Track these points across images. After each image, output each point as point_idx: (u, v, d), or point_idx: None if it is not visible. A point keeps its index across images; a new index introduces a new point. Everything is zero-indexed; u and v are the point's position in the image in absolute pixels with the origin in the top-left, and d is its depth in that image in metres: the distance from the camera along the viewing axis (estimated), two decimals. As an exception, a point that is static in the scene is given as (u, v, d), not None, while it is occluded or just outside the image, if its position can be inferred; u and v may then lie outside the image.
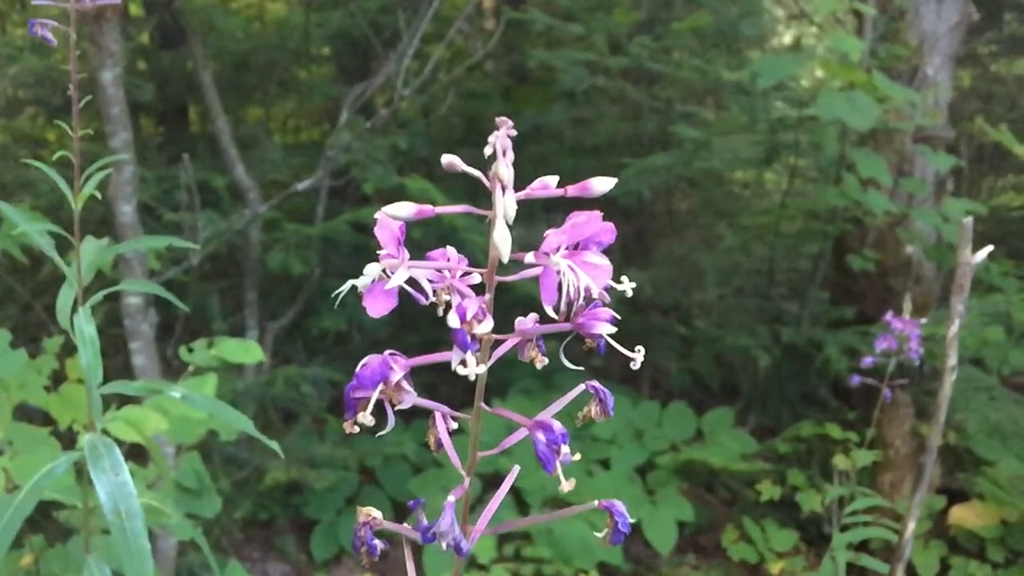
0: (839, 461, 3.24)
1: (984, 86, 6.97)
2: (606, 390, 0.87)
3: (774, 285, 5.63)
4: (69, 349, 2.77)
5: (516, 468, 0.94)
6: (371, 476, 4.55)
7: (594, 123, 5.52)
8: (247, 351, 2.41)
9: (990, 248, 1.55)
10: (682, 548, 4.36)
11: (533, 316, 0.86)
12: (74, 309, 1.22)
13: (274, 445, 1.27)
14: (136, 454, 2.64)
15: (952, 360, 1.58)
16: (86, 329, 1.17)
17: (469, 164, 0.82)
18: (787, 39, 8.42)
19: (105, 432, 1.29)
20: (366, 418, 0.76)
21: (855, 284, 4.74)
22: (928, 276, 4.61)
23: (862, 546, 3.17)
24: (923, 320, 2.75)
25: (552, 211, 4.13)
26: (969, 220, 1.57)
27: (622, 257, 5.46)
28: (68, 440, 2.60)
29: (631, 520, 0.91)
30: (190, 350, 2.46)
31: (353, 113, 4.76)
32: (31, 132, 5.37)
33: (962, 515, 3.97)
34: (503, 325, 0.82)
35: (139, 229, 3.42)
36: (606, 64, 4.92)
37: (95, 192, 1.25)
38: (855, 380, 2.73)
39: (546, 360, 0.85)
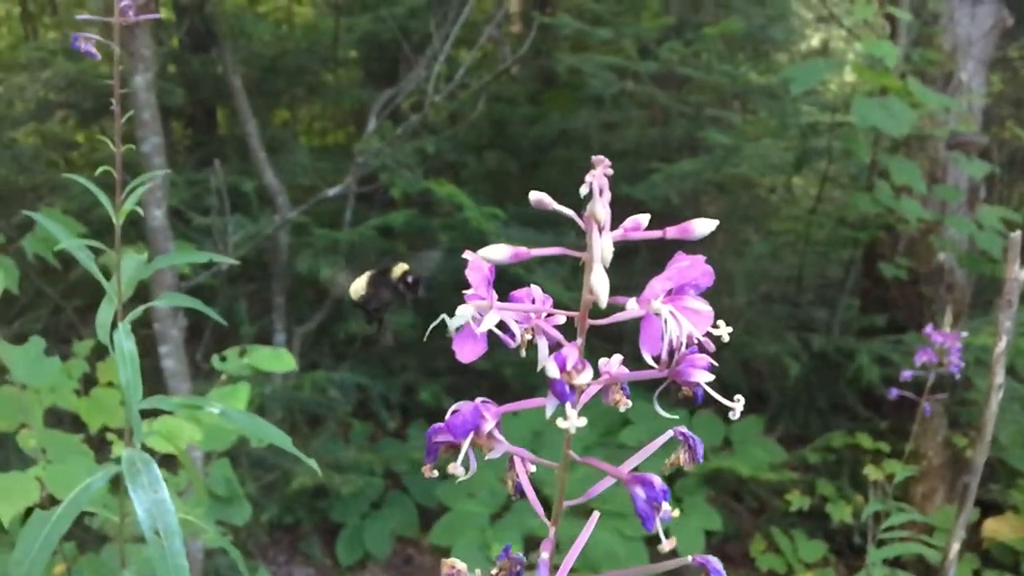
0: (872, 472, 3.19)
1: (1015, 91, 6.87)
2: (695, 437, 0.84)
3: (803, 292, 5.57)
4: (99, 352, 2.77)
5: (595, 515, 0.91)
6: (397, 481, 4.54)
7: (622, 127, 5.48)
8: (279, 360, 2.40)
9: (1040, 264, 1.52)
10: (709, 557, 4.31)
11: (618, 357, 0.82)
12: (113, 325, 1.21)
13: (312, 463, 1.25)
14: (167, 460, 2.64)
15: (999, 378, 1.54)
16: (126, 346, 1.17)
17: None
18: (815, 42, 8.35)
19: (143, 447, 1.28)
20: (457, 469, 0.73)
21: (886, 292, 4.68)
22: (960, 284, 4.55)
23: (894, 559, 3.12)
24: (964, 333, 2.69)
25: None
26: (1018, 235, 1.53)
27: (650, 260, 5.42)
28: (99, 444, 2.61)
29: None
30: (222, 358, 2.46)
31: (382, 118, 4.76)
32: (62, 135, 5.42)
33: (996, 528, 3.91)
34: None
35: (169, 233, 3.43)
36: (635, 68, 4.89)
37: (137, 207, 1.23)
38: (893, 394, 2.67)
39: (630, 403, 0.81)
